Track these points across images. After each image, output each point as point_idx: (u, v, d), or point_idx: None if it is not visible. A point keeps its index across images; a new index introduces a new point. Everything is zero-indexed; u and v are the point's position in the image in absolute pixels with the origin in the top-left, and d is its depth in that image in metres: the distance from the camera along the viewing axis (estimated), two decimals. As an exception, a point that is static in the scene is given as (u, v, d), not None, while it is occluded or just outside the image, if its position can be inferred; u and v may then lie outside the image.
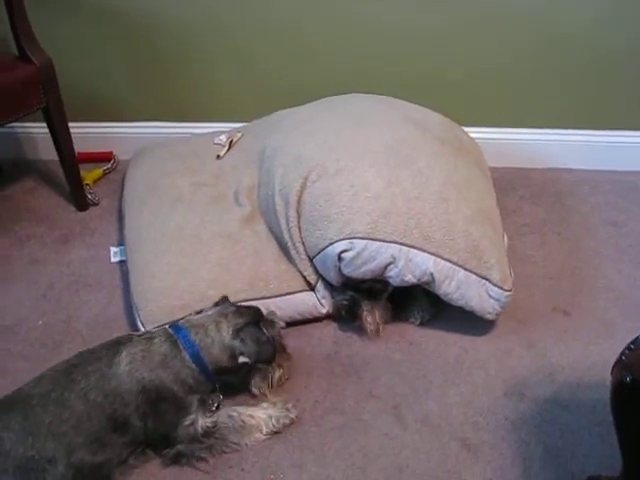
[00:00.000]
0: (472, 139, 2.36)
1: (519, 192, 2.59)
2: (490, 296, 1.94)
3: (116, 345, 1.67)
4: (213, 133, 2.57)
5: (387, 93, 2.36)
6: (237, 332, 1.68)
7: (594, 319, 2.06)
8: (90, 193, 2.61)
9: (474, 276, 1.92)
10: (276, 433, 1.73)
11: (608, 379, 1.32)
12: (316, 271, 2.02)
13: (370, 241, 1.89)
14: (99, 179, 2.75)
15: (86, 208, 2.58)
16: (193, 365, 1.66)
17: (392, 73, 2.55)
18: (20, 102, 2.26)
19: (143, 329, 1.92)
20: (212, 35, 2.56)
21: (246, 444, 1.71)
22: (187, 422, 1.67)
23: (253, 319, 1.72)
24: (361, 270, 1.91)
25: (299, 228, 2.03)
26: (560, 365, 1.93)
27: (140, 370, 1.61)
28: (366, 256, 1.89)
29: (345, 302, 2.00)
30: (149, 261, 2.07)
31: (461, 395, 1.85)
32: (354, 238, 1.89)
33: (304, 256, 2.02)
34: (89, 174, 2.70)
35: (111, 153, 2.82)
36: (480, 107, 2.62)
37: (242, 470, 1.66)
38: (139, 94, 2.74)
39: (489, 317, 1.98)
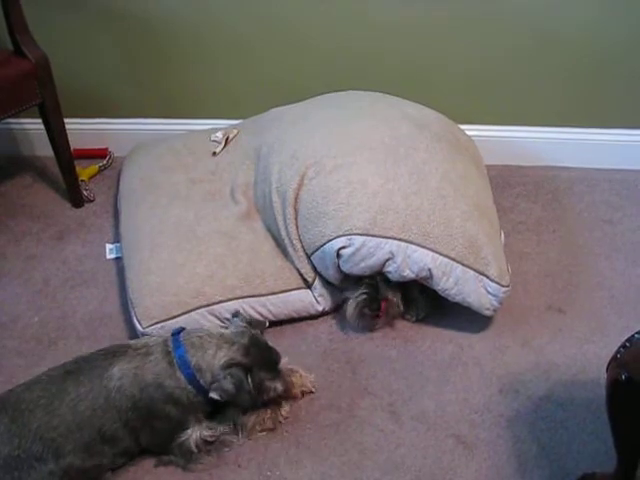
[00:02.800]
0: (469, 137, 2.37)
1: (515, 189, 2.59)
2: (488, 292, 1.94)
3: (111, 357, 1.63)
4: (209, 130, 2.57)
5: (384, 90, 2.36)
6: (227, 366, 1.60)
7: (589, 317, 2.07)
8: (86, 190, 2.60)
9: (472, 272, 1.92)
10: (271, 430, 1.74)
11: (603, 377, 1.33)
12: (313, 268, 2.03)
13: (368, 237, 1.89)
14: (94, 175, 2.74)
15: (82, 205, 2.57)
16: (189, 387, 1.61)
17: (390, 71, 2.54)
18: (15, 98, 2.25)
19: (139, 326, 1.91)
20: (208, 31, 2.55)
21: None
22: (182, 438, 1.65)
23: (254, 363, 1.63)
24: (360, 266, 1.91)
25: (296, 225, 2.03)
26: (555, 362, 1.93)
27: (131, 388, 1.59)
28: (365, 252, 1.89)
29: (365, 295, 1.96)
30: (145, 257, 2.07)
31: (456, 392, 1.85)
32: (352, 234, 1.89)
33: (301, 253, 2.02)
34: (84, 170, 2.69)
35: (106, 149, 2.81)
36: (477, 105, 2.62)
37: (238, 467, 1.67)
38: (135, 90, 2.73)
39: (487, 313, 1.98)
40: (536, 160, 2.70)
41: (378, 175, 1.96)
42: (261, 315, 1.97)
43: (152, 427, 1.63)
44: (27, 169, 2.79)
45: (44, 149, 2.62)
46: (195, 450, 1.65)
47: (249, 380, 1.61)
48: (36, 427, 1.51)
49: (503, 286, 1.94)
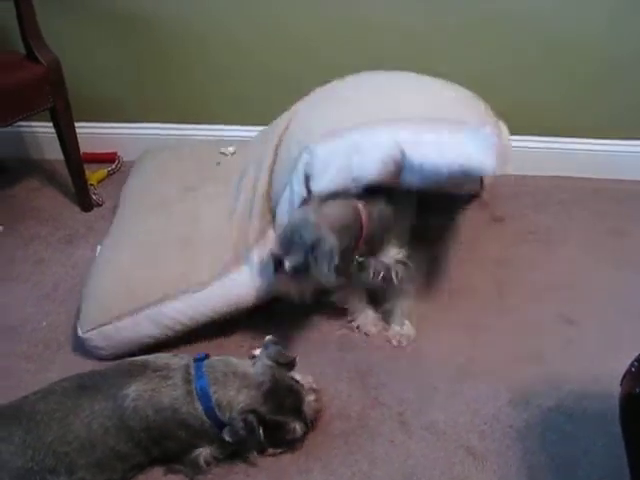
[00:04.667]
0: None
1: (524, 200, 2.58)
2: (476, 143, 1.76)
3: (128, 376, 1.60)
4: (220, 141, 2.55)
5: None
6: (243, 412, 1.58)
7: (600, 329, 2.06)
8: (94, 194, 2.61)
9: (445, 130, 1.78)
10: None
11: (614, 389, 1.32)
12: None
13: (328, 140, 1.82)
14: (103, 180, 2.75)
15: (90, 209, 2.58)
16: (204, 417, 1.59)
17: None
18: (28, 102, 2.27)
19: (79, 331, 1.91)
20: (216, 37, 2.57)
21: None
22: (193, 454, 1.64)
23: (272, 409, 1.60)
24: (327, 176, 1.80)
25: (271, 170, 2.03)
26: (565, 374, 1.92)
27: (145, 409, 1.56)
28: (326, 154, 1.81)
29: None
30: (102, 261, 2.10)
31: (466, 403, 1.84)
32: (311, 146, 1.83)
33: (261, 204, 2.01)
34: (93, 174, 2.70)
35: (115, 154, 2.82)
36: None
37: (247, 476, 1.66)
38: (144, 95, 2.74)
39: (489, 170, 1.77)
40: (545, 170, 2.70)
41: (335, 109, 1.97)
42: (201, 313, 1.93)
43: (163, 446, 1.62)
44: (36, 172, 2.80)
45: (53, 152, 2.63)
46: (204, 466, 1.64)
47: (260, 431, 1.59)
48: (50, 441, 1.50)
49: (489, 131, 1.80)
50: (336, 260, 1.65)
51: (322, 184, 1.81)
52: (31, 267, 2.32)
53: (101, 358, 1.94)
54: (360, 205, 1.78)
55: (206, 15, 2.52)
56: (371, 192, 1.82)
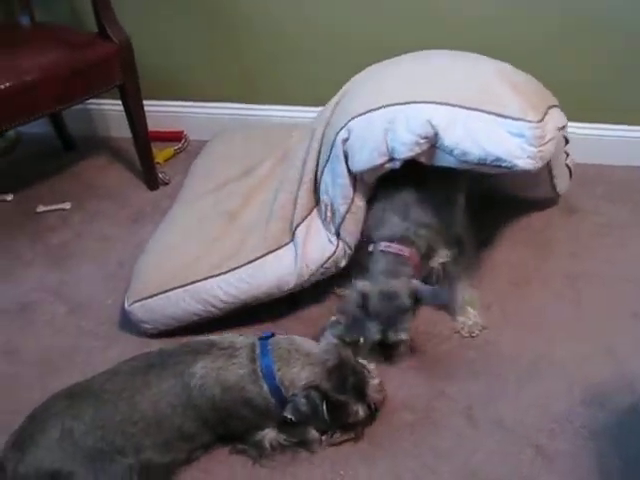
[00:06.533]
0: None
1: (599, 191, 2.49)
2: (511, 133, 1.68)
3: (194, 353, 1.61)
4: (296, 125, 2.51)
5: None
6: (306, 388, 1.56)
7: (677, 328, 1.97)
8: (161, 172, 2.62)
9: (483, 114, 1.71)
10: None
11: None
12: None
13: (360, 116, 1.81)
14: (170, 158, 2.76)
15: (157, 187, 2.59)
16: (269, 396, 1.58)
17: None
18: (99, 79, 2.29)
19: (126, 303, 1.93)
20: (292, 17, 2.54)
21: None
22: (257, 436, 1.64)
23: (336, 387, 1.57)
24: (364, 155, 1.80)
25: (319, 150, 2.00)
26: (639, 374, 1.84)
27: (212, 388, 1.56)
28: (362, 132, 1.80)
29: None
30: (154, 238, 2.15)
31: (536, 399, 1.78)
32: (349, 122, 1.83)
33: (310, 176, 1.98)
34: (160, 153, 2.71)
35: (182, 132, 2.82)
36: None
37: (311, 464, 1.64)
38: (213, 74, 2.73)
39: (521, 164, 1.69)
40: (622, 160, 2.59)
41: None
42: (243, 291, 1.90)
43: (229, 425, 1.62)
44: (103, 150, 2.82)
45: (120, 130, 2.65)
46: (269, 448, 1.63)
47: (324, 407, 1.57)
48: (119, 420, 1.50)
49: (528, 121, 1.68)
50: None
51: (360, 163, 1.82)
52: (97, 244, 2.35)
53: (147, 334, 1.97)
54: (407, 253, 1.78)
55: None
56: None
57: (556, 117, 1.83)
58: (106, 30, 2.26)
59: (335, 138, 1.86)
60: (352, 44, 2.53)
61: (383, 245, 1.80)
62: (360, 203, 1.90)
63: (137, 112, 2.42)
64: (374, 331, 1.71)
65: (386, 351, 1.76)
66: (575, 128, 2.53)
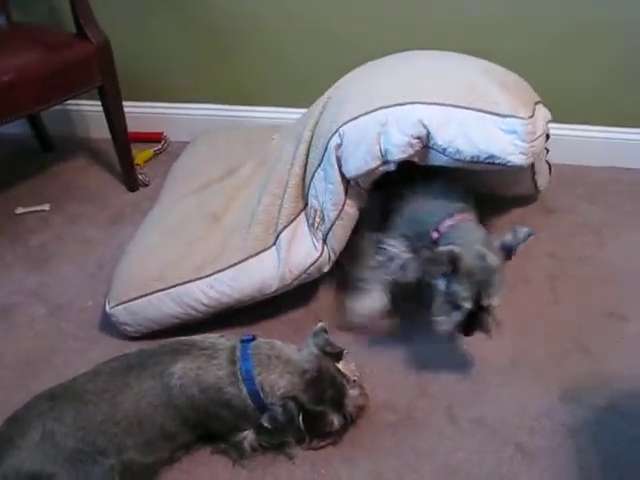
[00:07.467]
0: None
1: (577, 191, 2.52)
2: (503, 131, 1.71)
3: (174, 353, 1.61)
4: (275, 127, 2.50)
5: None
6: (284, 398, 1.57)
7: (654, 326, 2.00)
8: (141, 174, 2.61)
9: (475, 112, 1.73)
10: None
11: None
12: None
13: (353, 121, 1.81)
14: (149, 160, 2.75)
15: (136, 189, 2.58)
16: (248, 399, 1.58)
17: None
18: (77, 80, 2.27)
19: (107, 306, 1.93)
20: (271, 14, 2.53)
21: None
22: (237, 438, 1.63)
23: (313, 398, 1.58)
24: (358, 158, 1.79)
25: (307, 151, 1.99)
26: (618, 372, 1.86)
27: (191, 388, 1.56)
28: (355, 136, 1.80)
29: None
30: (135, 240, 2.14)
31: (516, 398, 1.80)
32: (340, 128, 1.82)
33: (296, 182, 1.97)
34: (140, 154, 2.70)
35: (161, 134, 2.81)
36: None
37: (292, 464, 1.64)
38: (193, 75, 2.73)
39: (515, 160, 1.71)
40: (600, 161, 2.62)
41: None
42: (225, 294, 1.90)
43: (209, 425, 1.63)
44: (82, 151, 2.80)
45: (99, 131, 2.64)
46: (248, 450, 1.63)
47: (300, 418, 1.57)
48: (100, 421, 1.50)
49: (520, 117, 1.70)
50: None
51: (355, 168, 1.81)
52: (77, 246, 2.33)
53: (128, 336, 1.96)
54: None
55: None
56: None
57: (543, 112, 1.87)
58: (84, 31, 2.24)
59: (327, 144, 1.85)
60: (336, 45, 2.53)
61: (452, 220, 1.78)
62: (350, 210, 1.90)
63: (116, 113, 2.41)
64: (465, 296, 1.66)
65: (472, 322, 1.71)
66: (553, 129, 2.57)
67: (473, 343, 1.93)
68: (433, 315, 1.73)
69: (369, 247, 1.92)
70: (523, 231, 1.71)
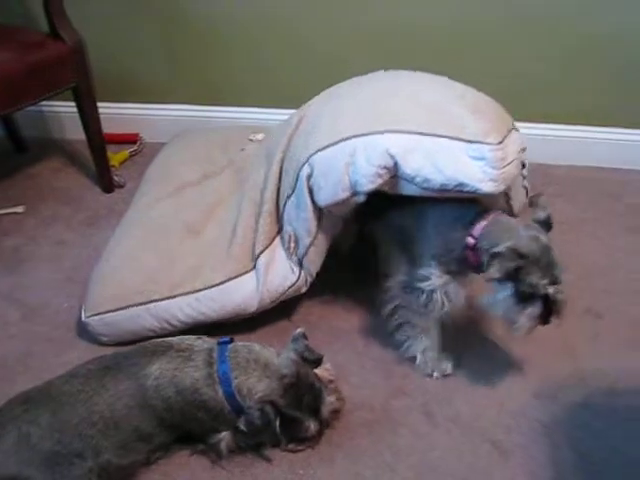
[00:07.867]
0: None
1: (553, 189, 2.54)
2: (471, 157, 1.66)
3: (150, 355, 1.60)
4: (253, 126, 2.51)
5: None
6: (262, 401, 1.56)
7: (628, 323, 2.02)
8: (116, 175, 2.59)
9: (441, 139, 1.67)
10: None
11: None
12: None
13: (323, 151, 1.78)
14: (125, 161, 2.73)
15: (112, 190, 2.56)
16: (224, 402, 1.57)
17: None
18: (51, 81, 2.25)
19: (83, 314, 1.91)
20: (249, 14, 2.52)
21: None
22: (213, 440, 1.63)
23: (290, 403, 1.58)
24: (328, 189, 1.77)
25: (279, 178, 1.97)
26: (593, 370, 1.88)
27: (167, 389, 1.55)
28: (324, 167, 1.77)
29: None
30: (111, 246, 2.10)
31: (492, 395, 1.81)
32: (311, 157, 1.80)
33: (269, 206, 1.95)
34: (115, 156, 2.68)
35: (137, 135, 2.80)
36: (520, 102, 2.56)
37: (270, 464, 1.64)
38: (168, 76, 2.72)
39: (484, 188, 1.67)
40: (576, 160, 2.65)
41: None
42: (203, 313, 1.90)
43: (185, 427, 1.62)
44: (57, 152, 2.78)
45: (75, 132, 2.62)
46: (226, 452, 1.63)
47: (277, 422, 1.57)
48: (76, 423, 1.48)
49: (488, 143, 1.65)
50: None
51: (325, 198, 1.80)
52: (52, 248, 2.31)
53: (103, 344, 1.94)
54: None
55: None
56: None
57: (516, 139, 1.81)
58: (58, 31, 2.22)
59: (299, 174, 1.84)
60: (311, 48, 2.54)
61: (484, 220, 1.70)
62: (324, 237, 1.90)
63: (91, 114, 2.40)
64: (545, 283, 1.60)
65: (549, 308, 1.65)
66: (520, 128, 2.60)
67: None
68: (509, 325, 1.68)
69: (401, 293, 1.85)
70: (541, 198, 1.70)
